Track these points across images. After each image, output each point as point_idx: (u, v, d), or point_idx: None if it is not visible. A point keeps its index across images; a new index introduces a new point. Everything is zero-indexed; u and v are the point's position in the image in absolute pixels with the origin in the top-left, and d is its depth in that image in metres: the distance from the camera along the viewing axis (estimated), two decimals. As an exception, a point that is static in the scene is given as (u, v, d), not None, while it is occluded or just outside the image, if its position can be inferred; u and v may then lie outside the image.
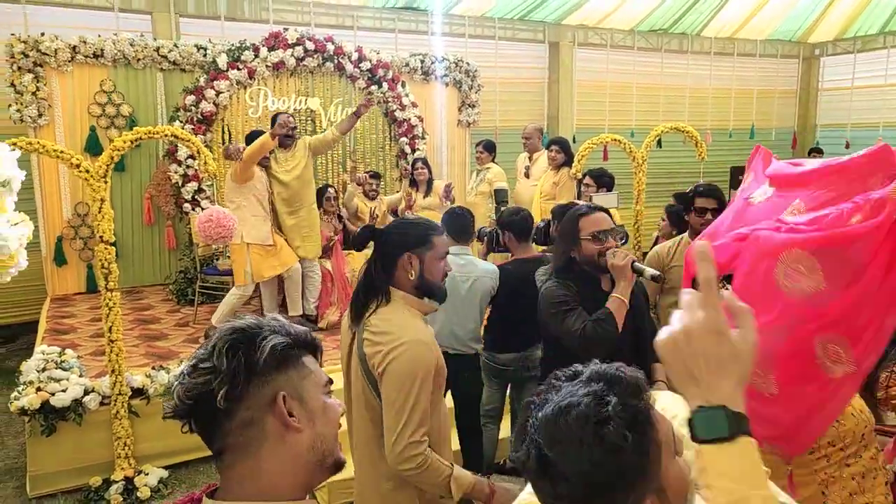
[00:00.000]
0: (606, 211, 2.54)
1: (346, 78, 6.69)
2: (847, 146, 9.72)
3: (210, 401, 0.93)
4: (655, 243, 5.04)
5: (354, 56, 6.63)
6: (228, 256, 5.33)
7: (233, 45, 6.19)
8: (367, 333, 1.92)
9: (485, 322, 3.55)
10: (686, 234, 3.32)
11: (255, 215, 4.92)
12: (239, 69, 6.08)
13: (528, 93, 9.05)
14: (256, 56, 6.16)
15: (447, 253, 2.06)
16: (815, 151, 9.83)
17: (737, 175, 7.96)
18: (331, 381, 1.06)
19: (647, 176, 4.99)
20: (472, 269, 3.32)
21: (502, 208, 4.39)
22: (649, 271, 2.30)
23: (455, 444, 3.42)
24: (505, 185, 5.82)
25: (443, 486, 1.87)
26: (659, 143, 6.28)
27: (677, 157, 9.07)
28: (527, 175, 6.27)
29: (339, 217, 5.90)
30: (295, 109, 6.45)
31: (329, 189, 5.93)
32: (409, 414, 1.81)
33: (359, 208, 6.00)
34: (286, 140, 5.09)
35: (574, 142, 7.48)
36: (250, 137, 4.95)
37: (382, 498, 1.98)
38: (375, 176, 6.22)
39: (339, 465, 1.04)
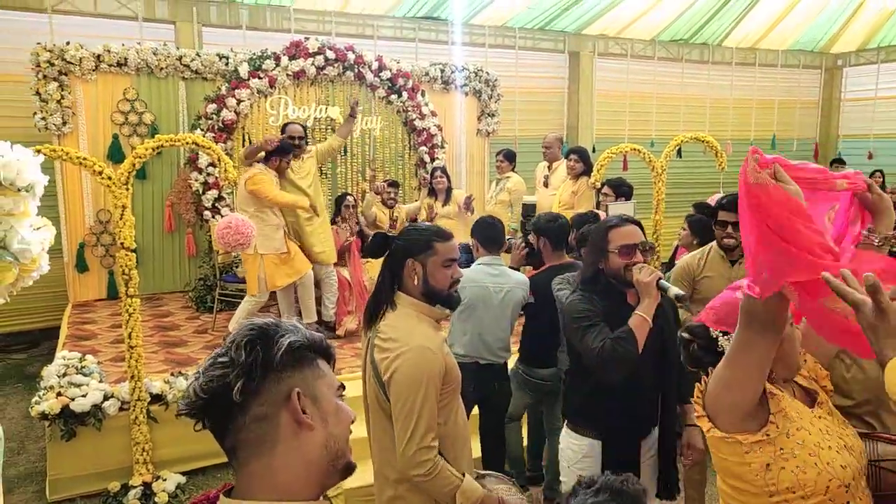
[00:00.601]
0: (639, 225, 2.45)
1: (367, 87, 6.72)
2: (870, 157, 9.59)
3: (226, 394, 0.94)
4: (675, 253, 4.99)
5: (374, 65, 6.65)
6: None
7: (254, 54, 6.25)
8: (376, 340, 1.97)
9: (518, 333, 3.54)
10: (714, 244, 3.27)
11: (269, 224, 4.89)
12: (260, 78, 6.13)
13: (548, 102, 9.03)
14: (277, 65, 6.21)
15: (454, 260, 2.05)
16: (838, 162, 9.68)
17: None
18: (343, 387, 1.08)
19: (666, 186, 4.94)
20: (504, 279, 3.31)
21: (530, 222, 4.39)
22: (674, 290, 2.22)
23: (476, 451, 3.41)
24: (534, 198, 5.83)
25: (450, 496, 1.89)
26: (679, 153, 6.25)
27: (697, 167, 8.98)
28: (546, 184, 6.25)
29: (358, 225, 5.92)
30: (315, 118, 6.49)
31: (348, 197, 5.95)
32: (416, 419, 1.84)
33: (377, 217, 6.01)
34: (297, 149, 5.11)
35: (594, 151, 7.43)
36: (273, 152, 4.87)
37: (398, 500, 2.00)
38: (394, 185, 6.22)
39: (350, 469, 1.05)
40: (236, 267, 5.81)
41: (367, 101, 6.78)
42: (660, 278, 2.25)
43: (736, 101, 10.12)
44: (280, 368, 0.97)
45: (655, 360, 2.34)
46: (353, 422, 1.07)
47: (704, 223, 3.93)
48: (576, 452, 2.47)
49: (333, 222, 5.68)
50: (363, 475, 2.22)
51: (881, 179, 8.70)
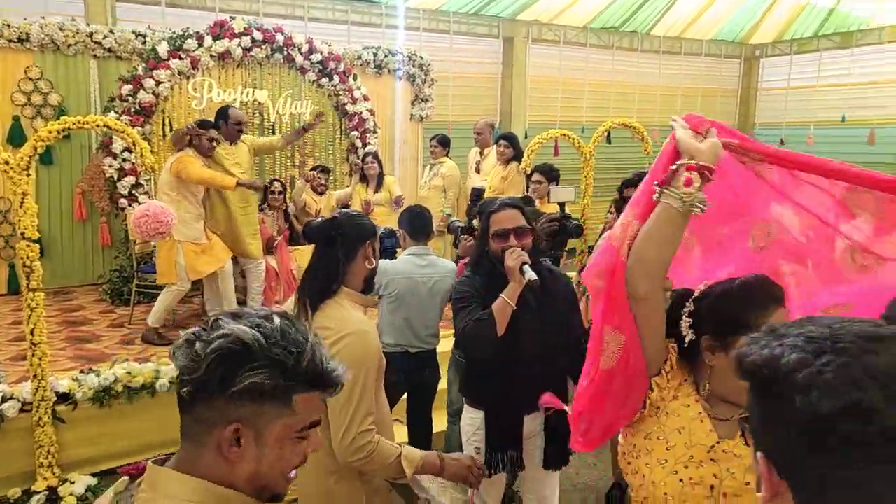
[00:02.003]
0: (521, 209, 2.46)
1: (296, 70, 6.49)
2: (782, 143, 10.05)
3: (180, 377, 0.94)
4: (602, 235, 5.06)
5: (305, 47, 6.43)
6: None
7: (174, 32, 5.91)
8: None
9: (449, 318, 3.52)
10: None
11: (190, 212, 4.68)
12: (181, 58, 5.80)
13: (482, 87, 9.02)
14: (200, 45, 5.89)
15: None
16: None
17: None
18: (315, 424, 1.01)
19: (596, 171, 5.00)
20: (433, 269, 3.35)
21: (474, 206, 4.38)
22: (529, 275, 2.26)
23: (403, 438, 3.45)
24: (483, 183, 5.82)
25: (394, 467, 1.89)
26: (608, 138, 6.33)
27: (626, 153, 9.18)
28: (477, 170, 6.24)
29: (286, 212, 5.75)
30: (242, 102, 6.21)
31: (275, 183, 5.77)
32: (356, 404, 1.83)
33: (307, 203, 5.85)
34: (235, 136, 4.89)
35: (526, 137, 7.47)
36: (202, 126, 4.71)
37: (328, 493, 1.96)
38: (324, 170, 6.09)
39: (276, 499, 1.00)
40: (155, 257, 5.52)
41: (297, 84, 6.55)
42: (524, 263, 2.28)
43: (663, 88, 10.39)
44: (237, 396, 0.92)
45: (537, 339, 2.40)
46: (313, 450, 1.02)
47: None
48: (471, 426, 2.57)
49: (260, 209, 5.49)
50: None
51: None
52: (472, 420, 2.56)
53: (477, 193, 5.43)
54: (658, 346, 1.44)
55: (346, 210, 2.17)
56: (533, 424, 2.49)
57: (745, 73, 11.38)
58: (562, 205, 4.23)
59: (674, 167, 1.33)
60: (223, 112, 4.90)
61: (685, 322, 1.44)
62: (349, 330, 1.85)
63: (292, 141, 5.49)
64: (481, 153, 6.28)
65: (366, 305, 2.03)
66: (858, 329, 0.72)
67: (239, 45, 6.04)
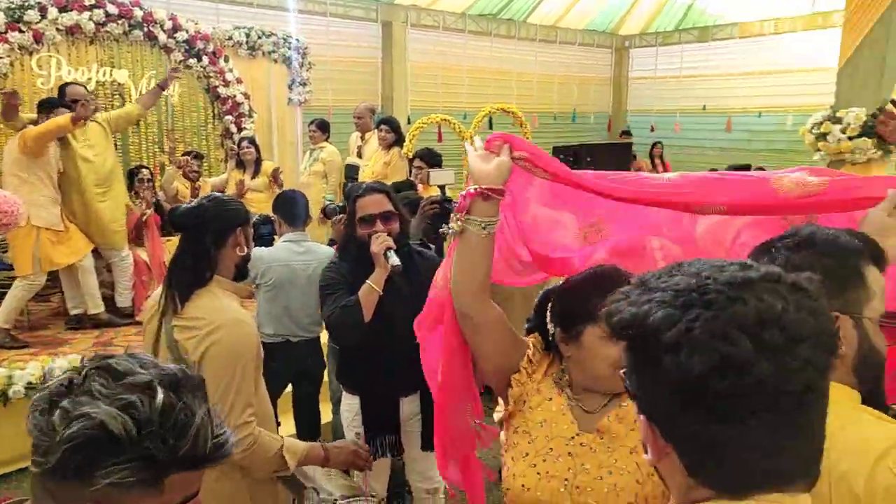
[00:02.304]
0: (388, 193, 2.48)
1: (160, 49, 6.06)
2: (652, 130, 10.74)
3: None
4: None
5: (168, 25, 6.01)
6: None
7: (12, 2, 5.32)
8: (177, 320, 1.83)
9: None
10: None
11: (45, 195, 4.29)
12: (22, 31, 5.24)
13: (362, 73, 8.91)
14: (44, 17, 5.34)
15: None
16: (626, 133, 10.75)
17: (558, 155, 8.44)
18: (190, 498, 0.88)
19: (477, 155, 5.07)
20: (310, 256, 3.26)
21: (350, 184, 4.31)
22: (393, 261, 2.29)
23: (291, 429, 3.42)
24: (357, 160, 5.72)
25: (276, 461, 1.84)
26: (490, 124, 6.47)
27: (508, 139, 9.46)
28: (359, 155, 6.16)
29: (157, 202, 5.39)
30: (98, 82, 5.72)
31: (143, 170, 5.39)
32: (234, 397, 1.76)
33: (178, 191, 5.52)
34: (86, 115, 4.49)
35: (409, 123, 7.47)
36: (42, 106, 4.35)
37: (209, 493, 1.81)
38: (197, 156, 5.78)
39: None
40: (3, 252, 4.99)
41: (162, 64, 6.13)
42: (389, 248, 2.30)
43: (540, 76, 10.76)
44: (90, 485, 0.77)
45: (409, 324, 2.41)
46: None
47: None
48: (349, 412, 2.58)
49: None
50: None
51: (661, 150, 9.81)
52: (350, 406, 2.56)
53: (353, 171, 5.35)
54: (504, 351, 1.50)
55: (215, 194, 2.07)
56: (410, 407, 2.51)
57: (616, 62, 12.03)
58: (442, 188, 4.26)
59: (463, 194, 1.39)
60: (61, 91, 4.55)
61: (549, 316, 1.48)
62: (224, 321, 1.79)
63: (150, 104, 5.13)
64: (363, 138, 6.20)
65: (240, 294, 1.98)
66: (727, 276, 0.69)
67: (90, 18, 5.54)
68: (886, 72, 4.83)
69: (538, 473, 1.36)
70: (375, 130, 5.84)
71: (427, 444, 2.54)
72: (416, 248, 2.55)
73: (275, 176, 5.50)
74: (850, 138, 4.83)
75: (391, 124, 5.67)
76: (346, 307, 2.31)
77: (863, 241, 1.14)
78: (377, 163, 5.61)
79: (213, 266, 1.87)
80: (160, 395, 0.80)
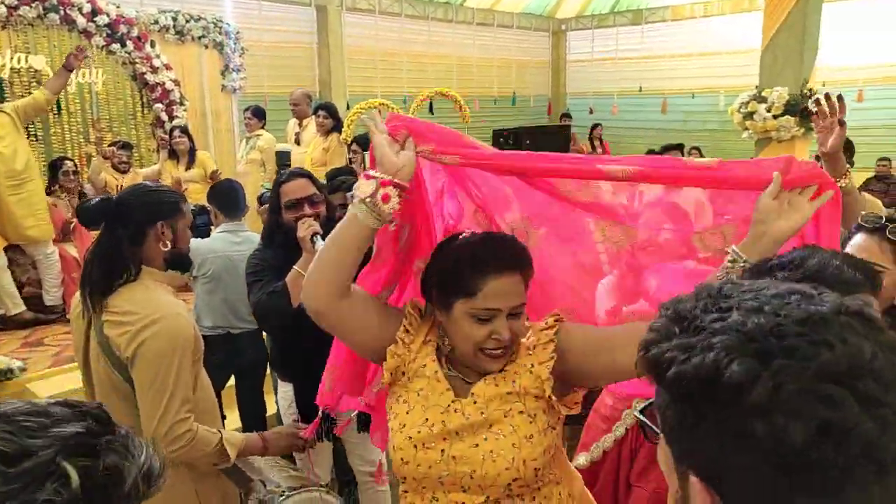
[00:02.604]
0: (311, 178, 2.48)
1: (80, 33, 5.75)
2: (591, 112, 10.95)
3: None
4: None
5: (87, 8, 5.70)
6: None
7: (-90, -16, 4.95)
8: (107, 315, 1.76)
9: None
10: None
11: None
12: (-78, 15, 4.89)
13: (298, 58, 8.72)
14: (-51, 1, 5.00)
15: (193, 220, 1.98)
16: (566, 116, 10.91)
17: (498, 138, 8.51)
18: None
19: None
20: (248, 245, 3.16)
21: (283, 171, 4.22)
22: (318, 245, 2.24)
23: (236, 422, 3.38)
24: (288, 146, 5.61)
25: (217, 454, 1.82)
26: (431, 108, 6.44)
27: (447, 123, 9.41)
28: (297, 142, 6.05)
29: (82, 195, 5.15)
30: (12, 69, 5.39)
31: (66, 163, 5.12)
32: (171, 392, 1.72)
33: (107, 183, 5.28)
34: None
35: (348, 108, 7.37)
36: None
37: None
38: (126, 147, 5.54)
39: None
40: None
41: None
42: (316, 233, 2.28)
43: (478, 59, 10.77)
44: None
45: None
46: None
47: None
48: (284, 400, 2.58)
49: (49, 192, 4.88)
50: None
51: (601, 132, 10.00)
52: (285, 394, 2.57)
53: (285, 158, 5.27)
54: (375, 335, 1.44)
55: (141, 184, 1.99)
56: None
57: (554, 45, 12.15)
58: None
59: (369, 179, 1.30)
60: None
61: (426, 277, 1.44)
62: (159, 314, 1.73)
63: (58, 88, 4.79)
64: (300, 125, 6.08)
65: (173, 285, 1.90)
66: (800, 313, 0.56)
67: (1, 1, 5.21)
68: (805, 53, 5.06)
69: (415, 446, 1.32)
70: (313, 117, 5.74)
71: (363, 426, 2.53)
72: None
73: (213, 177, 5.34)
74: (775, 117, 5.05)
75: (329, 110, 5.60)
76: (273, 293, 2.29)
77: (863, 271, 1.18)
78: (316, 149, 5.53)
79: (133, 262, 1.79)
80: (73, 477, 0.64)
